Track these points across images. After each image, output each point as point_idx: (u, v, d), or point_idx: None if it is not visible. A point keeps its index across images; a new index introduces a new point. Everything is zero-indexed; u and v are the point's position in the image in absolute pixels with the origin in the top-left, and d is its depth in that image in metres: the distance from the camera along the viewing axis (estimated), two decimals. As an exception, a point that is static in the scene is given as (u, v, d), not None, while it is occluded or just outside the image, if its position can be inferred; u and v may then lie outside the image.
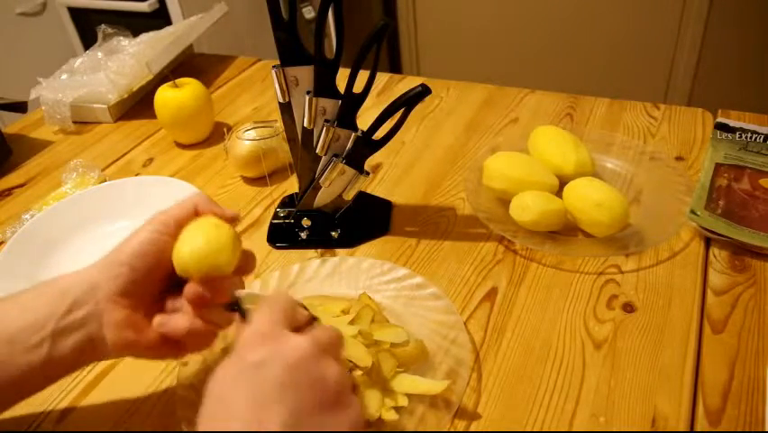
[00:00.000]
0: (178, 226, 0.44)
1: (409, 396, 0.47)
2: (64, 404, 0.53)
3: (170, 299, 0.45)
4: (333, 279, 0.60)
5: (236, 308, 0.43)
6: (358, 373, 0.46)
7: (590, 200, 0.62)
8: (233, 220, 0.46)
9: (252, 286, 0.59)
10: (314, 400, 0.35)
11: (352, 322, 0.51)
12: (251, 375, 0.35)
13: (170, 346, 0.44)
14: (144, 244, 0.43)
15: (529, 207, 0.62)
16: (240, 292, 0.44)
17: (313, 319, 0.42)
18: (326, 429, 0.35)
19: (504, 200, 0.67)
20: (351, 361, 0.47)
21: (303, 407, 0.35)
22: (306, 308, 0.44)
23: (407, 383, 0.48)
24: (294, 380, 0.35)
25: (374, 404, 0.46)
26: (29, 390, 0.44)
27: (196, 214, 0.45)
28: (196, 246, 0.42)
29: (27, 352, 0.41)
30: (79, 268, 0.45)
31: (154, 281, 0.44)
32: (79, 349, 0.42)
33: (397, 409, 0.47)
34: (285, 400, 0.34)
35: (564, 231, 0.64)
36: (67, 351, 0.42)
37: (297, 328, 0.40)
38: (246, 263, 0.46)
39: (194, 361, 0.52)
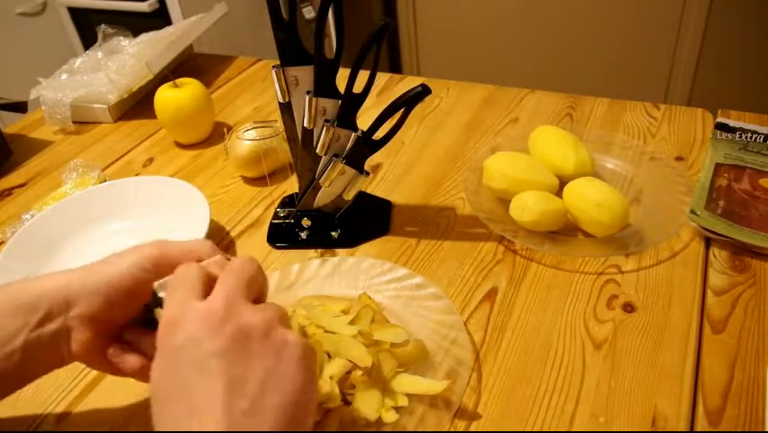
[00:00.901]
0: (170, 268, 0.42)
1: (409, 396, 0.47)
2: (64, 405, 0.53)
3: (133, 332, 0.44)
4: (333, 279, 0.60)
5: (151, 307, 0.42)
6: (358, 373, 0.46)
7: (590, 200, 0.62)
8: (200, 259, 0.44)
9: None
10: (245, 352, 0.34)
11: (352, 322, 0.51)
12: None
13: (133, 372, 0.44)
14: (125, 278, 0.42)
15: (529, 207, 0.62)
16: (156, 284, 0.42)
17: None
18: (276, 375, 0.35)
19: (504, 200, 0.67)
20: (351, 361, 0.47)
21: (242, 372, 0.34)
22: None
23: (407, 383, 0.48)
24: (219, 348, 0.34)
25: (374, 404, 0.46)
26: (4, 391, 0.44)
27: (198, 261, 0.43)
28: None
29: None
30: (55, 272, 0.44)
31: (125, 313, 0.43)
32: (49, 358, 0.43)
33: (397, 409, 0.47)
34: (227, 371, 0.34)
35: (564, 231, 0.64)
36: (38, 359, 0.42)
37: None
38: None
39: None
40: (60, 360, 0.44)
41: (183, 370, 0.34)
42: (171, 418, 0.33)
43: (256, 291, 0.39)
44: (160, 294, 0.41)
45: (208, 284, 0.39)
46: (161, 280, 0.42)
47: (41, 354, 0.42)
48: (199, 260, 0.42)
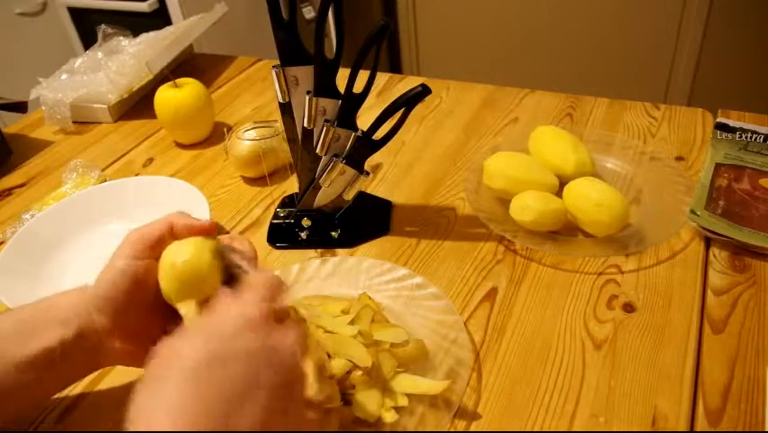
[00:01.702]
0: (153, 248, 0.43)
1: (409, 396, 0.47)
2: (64, 404, 0.53)
3: (170, 324, 0.43)
4: (333, 279, 0.60)
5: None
6: (358, 373, 0.46)
7: (590, 200, 0.62)
8: (210, 232, 0.44)
9: None
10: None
11: (352, 322, 0.51)
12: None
13: None
14: (117, 276, 0.42)
15: (529, 206, 0.62)
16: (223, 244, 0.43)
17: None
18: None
19: (504, 200, 0.67)
20: (351, 361, 0.47)
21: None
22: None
23: (407, 383, 0.48)
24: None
25: (374, 404, 0.46)
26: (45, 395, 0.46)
27: (173, 232, 0.44)
28: (172, 275, 0.41)
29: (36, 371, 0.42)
30: (66, 290, 0.45)
31: (140, 310, 0.43)
32: (88, 365, 0.46)
33: (397, 409, 0.47)
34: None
35: (564, 231, 0.64)
36: (77, 366, 0.45)
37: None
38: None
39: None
40: (97, 365, 0.47)
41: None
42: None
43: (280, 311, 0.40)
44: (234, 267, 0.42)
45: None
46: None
47: (78, 362, 0.44)
48: (174, 230, 0.43)
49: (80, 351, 0.43)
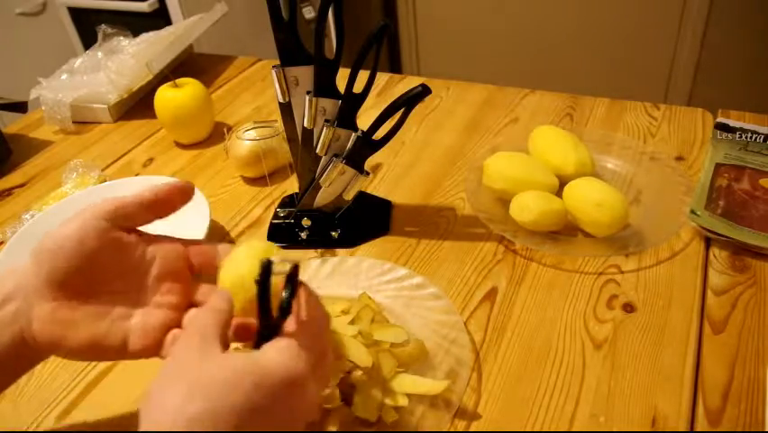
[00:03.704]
0: (126, 219, 0.40)
1: (409, 396, 0.47)
2: (64, 404, 0.53)
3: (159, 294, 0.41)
4: (333, 279, 0.60)
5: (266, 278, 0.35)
6: (358, 373, 0.46)
7: (591, 200, 0.62)
8: (186, 195, 0.42)
9: None
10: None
11: (352, 322, 0.51)
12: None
13: (100, 351, 0.40)
14: (79, 230, 0.38)
15: (529, 207, 0.62)
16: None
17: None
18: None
19: (504, 200, 0.67)
20: (351, 361, 0.47)
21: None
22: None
23: (407, 383, 0.48)
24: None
25: (374, 404, 0.46)
26: None
27: (157, 203, 0.41)
28: (238, 281, 0.38)
29: None
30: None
31: (96, 275, 0.39)
32: (14, 350, 0.39)
33: (397, 409, 0.47)
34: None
35: (564, 231, 0.64)
36: (2, 351, 0.38)
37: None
38: None
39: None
40: (26, 351, 0.39)
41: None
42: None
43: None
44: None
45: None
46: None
47: (5, 344, 0.38)
48: (158, 200, 0.41)
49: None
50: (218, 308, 0.36)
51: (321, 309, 0.38)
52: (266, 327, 0.35)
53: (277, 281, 0.36)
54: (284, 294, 0.35)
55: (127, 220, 0.41)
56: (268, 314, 0.35)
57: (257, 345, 0.35)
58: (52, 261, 0.38)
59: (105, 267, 0.40)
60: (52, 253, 0.38)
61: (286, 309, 0.35)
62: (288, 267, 0.36)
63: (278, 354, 0.34)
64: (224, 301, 0.37)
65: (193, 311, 0.42)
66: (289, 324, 0.36)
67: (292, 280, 0.36)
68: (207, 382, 0.31)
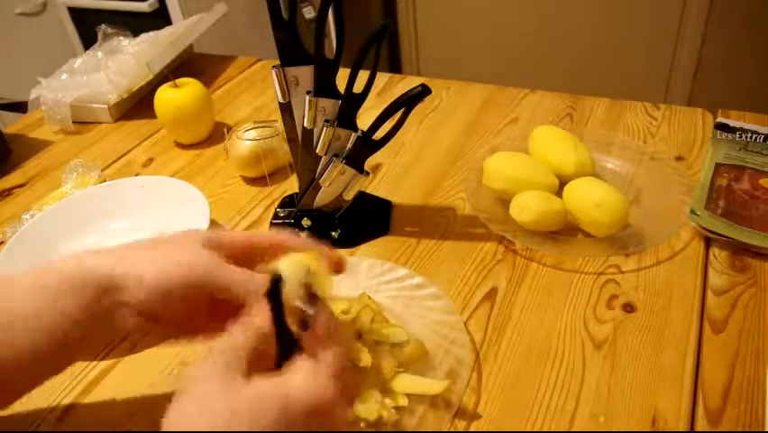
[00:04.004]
0: (229, 258, 0.39)
1: (409, 396, 0.47)
2: (65, 404, 0.53)
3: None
4: (333, 279, 0.60)
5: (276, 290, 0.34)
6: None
7: (590, 200, 0.62)
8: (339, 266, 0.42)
9: None
10: None
11: (352, 322, 0.51)
12: None
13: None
14: (173, 280, 0.38)
15: (529, 207, 0.62)
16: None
17: None
18: None
19: (504, 200, 0.67)
20: (350, 361, 0.47)
21: None
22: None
23: (407, 383, 0.48)
24: None
25: (374, 404, 0.46)
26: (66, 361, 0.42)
27: (272, 248, 0.40)
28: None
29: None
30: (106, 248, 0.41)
31: (184, 309, 0.39)
32: (107, 331, 0.40)
33: (398, 408, 0.47)
34: None
35: (564, 231, 0.64)
36: (97, 334, 0.40)
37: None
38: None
39: (194, 361, 0.52)
40: (110, 339, 0.41)
41: None
42: None
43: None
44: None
45: None
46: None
47: (89, 336, 0.39)
48: (262, 250, 0.39)
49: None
50: (243, 334, 0.35)
51: (339, 325, 0.37)
52: (285, 344, 0.34)
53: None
54: (302, 307, 0.34)
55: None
56: (285, 330, 0.34)
57: (278, 364, 0.34)
58: (149, 301, 0.38)
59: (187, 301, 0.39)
60: (150, 297, 0.38)
61: (305, 324, 0.34)
62: (302, 278, 0.34)
63: (305, 380, 0.33)
64: (249, 327, 0.35)
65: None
66: (310, 340, 0.34)
67: (310, 292, 0.34)
68: (232, 414, 0.30)
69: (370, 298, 0.55)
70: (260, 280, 0.38)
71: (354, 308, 0.53)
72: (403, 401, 0.47)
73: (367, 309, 0.52)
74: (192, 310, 0.39)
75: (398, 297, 0.57)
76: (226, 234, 0.41)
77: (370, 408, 0.45)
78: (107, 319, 0.39)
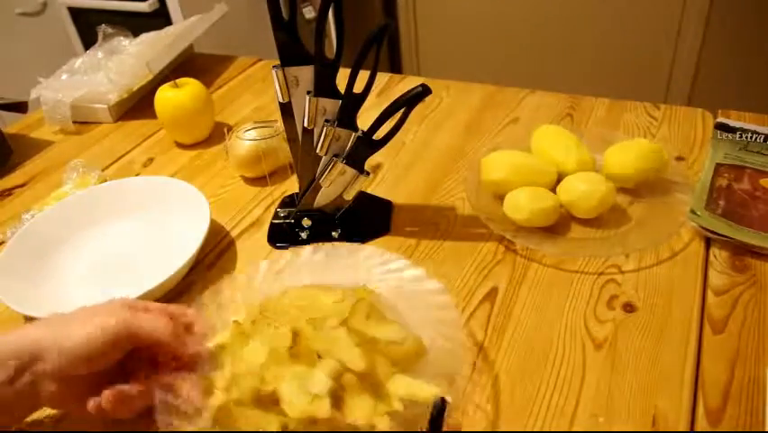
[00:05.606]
0: (135, 344, 0.45)
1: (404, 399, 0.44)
2: (64, 404, 0.52)
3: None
4: (327, 267, 0.55)
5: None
6: (349, 376, 0.44)
7: (578, 183, 0.65)
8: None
9: (237, 280, 0.55)
10: None
11: (345, 320, 0.47)
12: None
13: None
14: (92, 347, 0.43)
15: (521, 204, 0.63)
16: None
17: None
18: None
19: (504, 199, 0.67)
20: (342, 363, 0.44)
21: None
22: None
23: (404, 387, 0.44)
24: None
25: (366, 410, 0.43)
26: None
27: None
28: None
29: None
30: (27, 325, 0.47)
31: (94, 371, 0.45)
32: (23, 407, 0.46)
33: (392, 414, 0.43)
34: None
35: (559, 225, 0.65)
36: (12, 410, 0.45)
37: None
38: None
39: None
40: (33, 407, 0.47)
41: None
42: None
43: None
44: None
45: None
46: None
47: (14, 406, 0.45)
48: (160, 341, 0.45)
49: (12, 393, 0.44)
50: None
51: None
52: None
53: None
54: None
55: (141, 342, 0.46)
56: None
57: None
58: (68, 364, 0.43)
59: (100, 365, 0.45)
60: (70, 360, 0.43)
61: None
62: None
63: None
64: None
65: None
66: None
67: (439, 419, 0.37)
68: None
69: (367, 291, 0.51)
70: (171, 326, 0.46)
71: (348, 300, 0.49)
72: (398, 407, 0.43)
73: (362, 303, 0.48)
74: (112, 368, 0.45)
75: (398, 288, 0.53)
76: (148, 303, 0.48)
77: (361, 415, 0.42)
78: (31, 390, 0.44)
